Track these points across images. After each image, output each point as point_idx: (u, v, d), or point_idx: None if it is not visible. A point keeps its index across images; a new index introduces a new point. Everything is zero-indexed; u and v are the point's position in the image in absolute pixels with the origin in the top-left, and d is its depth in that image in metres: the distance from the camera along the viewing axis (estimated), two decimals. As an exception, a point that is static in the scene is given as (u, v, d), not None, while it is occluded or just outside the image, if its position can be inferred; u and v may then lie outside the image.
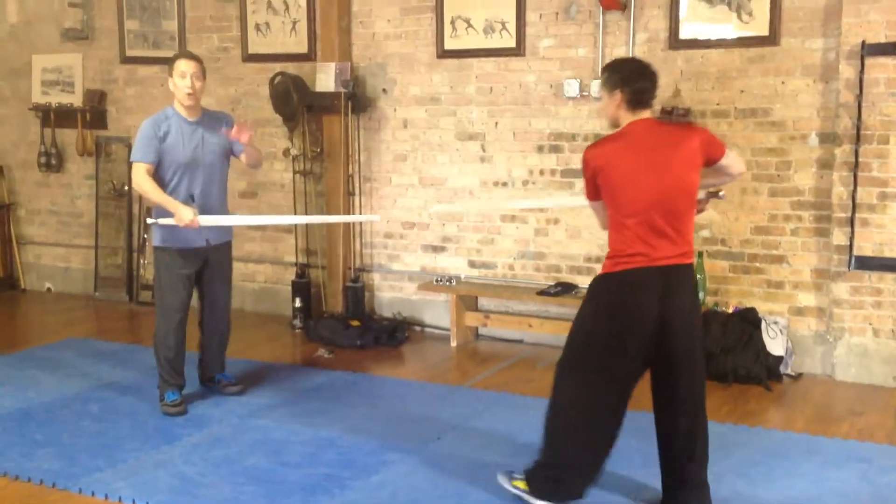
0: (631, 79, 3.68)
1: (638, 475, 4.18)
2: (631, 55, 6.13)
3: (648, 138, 3.66)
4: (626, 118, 3.71)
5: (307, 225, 7.34)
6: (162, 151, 5.04)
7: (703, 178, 3.77)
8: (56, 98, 8.33)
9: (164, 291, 5.20)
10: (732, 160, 3.81)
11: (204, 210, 5.11)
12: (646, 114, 3.72)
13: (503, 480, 3.95)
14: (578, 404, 3.74)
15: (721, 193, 4.06)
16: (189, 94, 5.06)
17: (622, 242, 3.66)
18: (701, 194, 3.83)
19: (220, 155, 5.23)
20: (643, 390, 3.76)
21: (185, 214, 4.90)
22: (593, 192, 3.76)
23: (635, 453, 4.32)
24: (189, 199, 5.05)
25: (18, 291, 8.67)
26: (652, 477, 4.01)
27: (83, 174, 8.42)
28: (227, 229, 5.36)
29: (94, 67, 8.22)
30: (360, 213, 7.13)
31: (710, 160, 3.73)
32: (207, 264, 5.27)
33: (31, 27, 8.46)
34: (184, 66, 5.07)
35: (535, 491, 3.83)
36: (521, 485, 3.88)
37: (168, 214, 4.98)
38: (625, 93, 3.68)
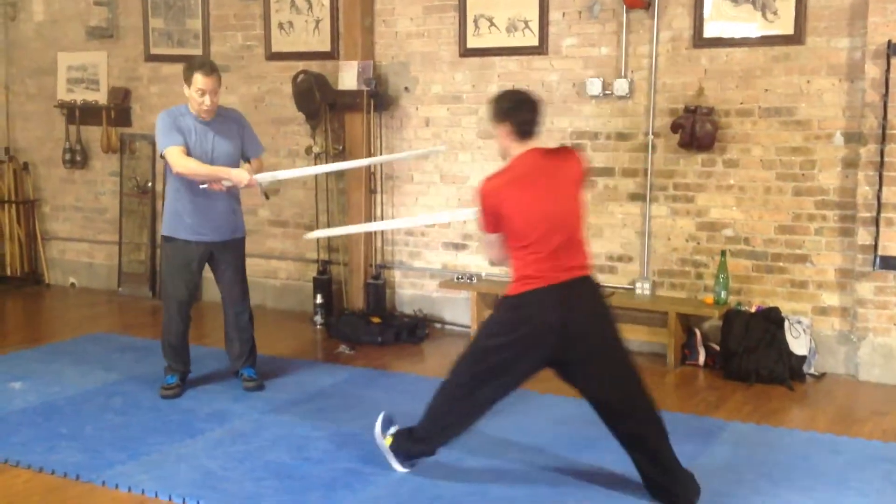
0: (514, 111, 3.89)
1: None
2: (655, 54, 6.13)
3: (538, 168, 3.88)
4: (515, 149, 3.91)
5: (328, 221, 7.35)
6: None
7: None
8: (81, 95, 8.40)
9: (165, 280, 5.41)
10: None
11: (211, 208, 5.19)
12: (533, 144, 3.92)
13: (378, 430, 4.24)
14: (463, 397, 4.00)
15: None
16: (205, 110, 5.11)
17: (525, 267, 3.84)
18: None
19: (231, 156, 5.24)
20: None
21: (241, 177, 5.03)
22: (492, 226, 3.91)
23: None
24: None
25: (43, 286, 8.74)
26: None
27: (107, 171, 8.48)
28: (236, 227, 5.37)
29: (119, 65, 8.28)
30: (380, 213, 7.15)
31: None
32: (214, 259, 5.33)
33: (56, 25, 8.53)
34: (201, 82, 5.04)
35: (396, 450, 4.16)
36: (389, 441, 4.19)
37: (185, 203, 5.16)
38: (510, 125, 3.88)
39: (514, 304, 3.88)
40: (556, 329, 3.79)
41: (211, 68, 5.11)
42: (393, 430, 4.25)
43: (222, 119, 5.25)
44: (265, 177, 5.21)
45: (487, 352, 3.93)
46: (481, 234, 4.04)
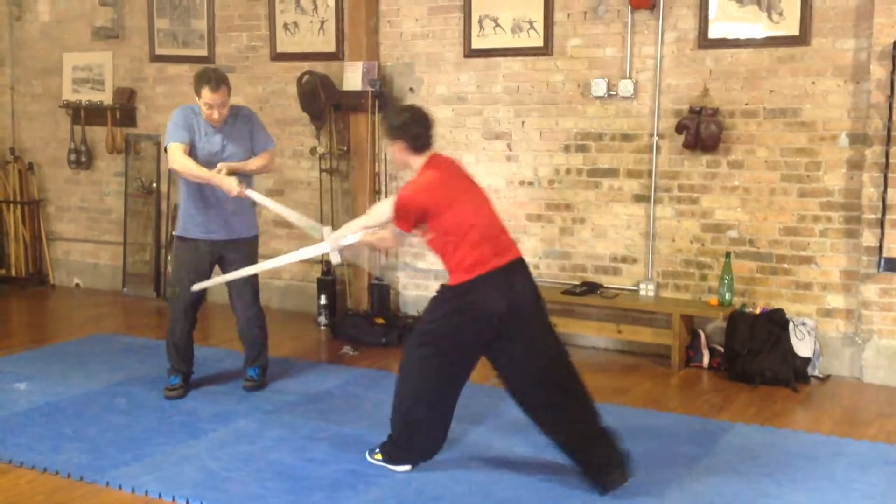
0: (405, 128, 4.17)
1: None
2: (659, 54, 6.12)
3: (448, 169, 4.23)
4: (416, 161, 4.21)
5: (332, 221, 7.35)
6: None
7: None
8: (86, 96, 8.41)
9: (173, 280, 5.41)
10: None
11: (221, 210, 5.22)
12: (430, 152, 4.22)
13: (367, 455, 4.34)
14: (425, 388, 4.16)
15: None
16: (214, 121, 5.13)
17: (467, 256, 4.04)
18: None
19: (240, 157, 5.24)
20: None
21: (230, 187, 5.02)
22: (412, 227, 4.15)
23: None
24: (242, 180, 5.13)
25: (48, 287, 8.75)
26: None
27: (112, 171, 8.49)
28: (247, 225, 5.37)
29: (124, 66, 8.28)
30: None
31: None
32: (225, 261, 5.33)
33: (62, 25, 8.55)
34: (209, 97, 5.01)
35: (390, 460, 4.25)
36: (379, 456, 4.29)
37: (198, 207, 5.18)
38: (403, 141, 4.18)
39: (463, 290, 4.04)
40: (501, 309, 3.99)
41: (217, 83, 5.02)
42: (376, 449, 4.35)
43: (233, 119, 5.25)
44: (254, 195, 5.18)
45: (444, 340, 4.09)
46: (395, 230, 4.22)
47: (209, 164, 5.11)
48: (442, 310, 4.13)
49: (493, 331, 4.03)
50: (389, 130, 4.23)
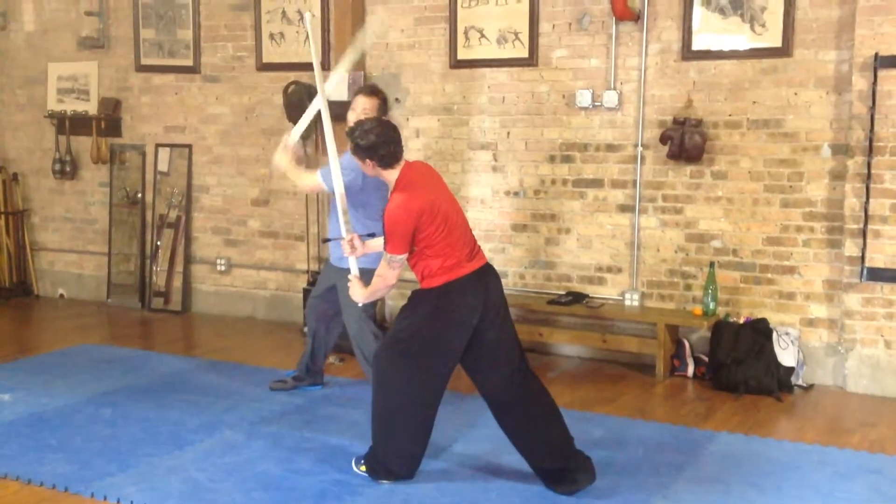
0: (373, 150, 4.13)
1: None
2: (644, 66, 6.15)
3: (425, 178, 4.22)
4: (390, 173, 4.18)
5: (318, 232, 7.36)
6: None
7: None
8: (71, 106, 8.39)
9: None
10: None
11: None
12: (403, 161, 4.21)
13: (353, 465, 4.36)
14: (404, 398, 4.14)
15: None
16: None
17: (444, 260, 4.08)
18: None
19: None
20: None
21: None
22: (407, 244, 4.08)
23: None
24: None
25: (32, 297, 8.71)
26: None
27: (97, 181, 8.47)
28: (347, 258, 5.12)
29: (110, 75, 8.27)
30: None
31: None
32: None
33: (47, 35, 8.53)
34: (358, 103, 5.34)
35: (373, 473, 4.25)
36: (364, 468, 4.30)
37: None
38: (375, 159, 4.14)
39: (440, 292, 4.08)
40: (478, 311, 4.06)
41: (368, 92, 5.42)
42: (362, 460, 4.36)
43: None
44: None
45: (422, 345, 4.09)
46: (390, 259, 4.12)
47: None
48: (418, 314, 4.14)
49: (472, 330, 4.07)
50: (357, 151, 4.18)
